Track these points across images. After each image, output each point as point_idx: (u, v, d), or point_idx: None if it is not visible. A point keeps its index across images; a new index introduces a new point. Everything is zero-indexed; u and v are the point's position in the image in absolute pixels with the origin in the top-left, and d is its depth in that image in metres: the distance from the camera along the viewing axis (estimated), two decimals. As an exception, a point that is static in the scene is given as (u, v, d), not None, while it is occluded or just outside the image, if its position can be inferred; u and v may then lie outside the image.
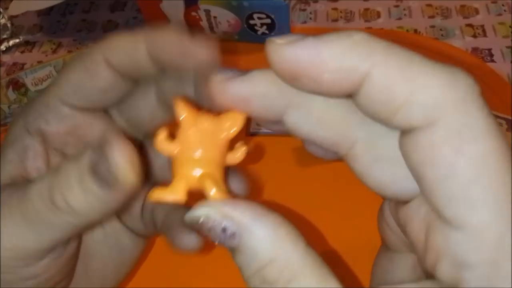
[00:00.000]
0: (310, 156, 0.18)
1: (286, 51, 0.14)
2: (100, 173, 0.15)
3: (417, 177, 0.13)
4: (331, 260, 0.14)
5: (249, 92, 0.15)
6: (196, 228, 0.14)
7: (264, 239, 0.13)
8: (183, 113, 0.15)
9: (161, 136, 0.15)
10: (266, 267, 0.13)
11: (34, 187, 0.16)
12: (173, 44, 0.17)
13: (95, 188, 0.15)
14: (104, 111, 0.20)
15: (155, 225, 0.22)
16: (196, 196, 0.15)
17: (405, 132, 0.13)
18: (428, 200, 0.13)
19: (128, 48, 0.18)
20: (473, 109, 0.12)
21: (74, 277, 0.20)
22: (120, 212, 0.21)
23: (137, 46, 0.17)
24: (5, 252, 0.17)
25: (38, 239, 0.17)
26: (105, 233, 0.22)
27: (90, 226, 0.18)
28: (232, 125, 0.15)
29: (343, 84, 0.13)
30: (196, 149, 0.15)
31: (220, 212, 0.13)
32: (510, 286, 0.11)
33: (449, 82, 0.12)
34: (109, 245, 0.22)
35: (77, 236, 0.20)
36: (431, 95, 0.12)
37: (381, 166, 0.14)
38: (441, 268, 0.12)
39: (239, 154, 0.16)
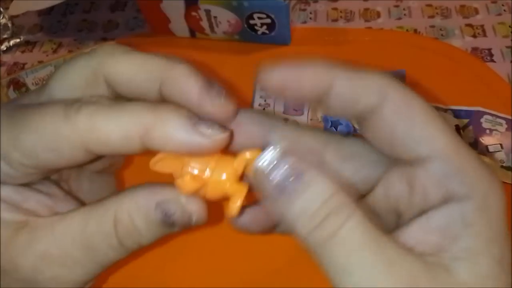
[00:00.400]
0: None
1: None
2: (171, 220, 0.17)
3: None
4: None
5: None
6: (258, 172, 0.15)
7: (327, 179, 0.15)
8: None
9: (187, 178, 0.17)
10: (331, 198, 0.15)
11: (93, 228, 0.17)
12: (189, 89, 0.17)
13: (163, 229, 0.17)
14: None
15: None
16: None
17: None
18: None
19: (130, 73, 0.18)
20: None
21: None
22: None
23: (139, 73, 0.18)
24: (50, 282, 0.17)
25: (86, 271, 0.17)
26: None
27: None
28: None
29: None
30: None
31: (288, 156, 0.15)
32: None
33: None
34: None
35: None
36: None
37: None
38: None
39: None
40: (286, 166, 0.15)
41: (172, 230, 0.17)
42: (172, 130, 0.16)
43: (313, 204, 0.15)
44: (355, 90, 0.16)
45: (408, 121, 0.16)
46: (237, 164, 0.17)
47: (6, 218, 0.17)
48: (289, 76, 0.17)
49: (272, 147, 0.15)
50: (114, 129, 0.16)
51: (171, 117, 0.16)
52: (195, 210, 0.17)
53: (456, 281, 0.14)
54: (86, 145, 0.16)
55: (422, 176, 0.16)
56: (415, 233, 0.16)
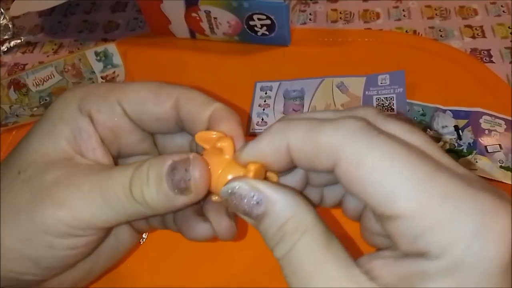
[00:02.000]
0: None
1: None
2: (176, 180, 0.18)
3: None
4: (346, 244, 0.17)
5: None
6: (229, 199, 0.17)
7: (284, 203, 0.17)
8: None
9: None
10: (286, 223, 0.16)
11: (117, 176, 0.19)
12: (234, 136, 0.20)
13: (169, 191, 0.18)
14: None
15: (163, 222, 0.23)
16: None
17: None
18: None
19: (197, 107, 0.21)
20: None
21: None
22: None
23: (203, 112, 0.21)
24: (73, 221, 0.19)
25: (106, 218, 0.19)
26: None
27: (150, 216, 0.21)
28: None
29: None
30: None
31: (250, 184, 0.17)
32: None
33: None
34: (107, 239, 0.23)
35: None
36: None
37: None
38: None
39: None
40: (248, 194, 0.17)
41: (172, 192, 0.18)
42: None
43: (271, 228, 0.17)
44: (308, 156, 0.17)
45: (361, 183, 0.15)
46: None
47: (61, 146, 0.20)
48: (252, 153, 0.18)
49: (234, 181, 0.18)
50: None
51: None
52: (197, 176, 0.18)
53: None
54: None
55: (393, 230, 0.15)
56: (378, 265, 0.16)
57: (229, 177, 0.18)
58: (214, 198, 0.20)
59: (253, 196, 0.17)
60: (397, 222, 0.15)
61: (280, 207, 0.17)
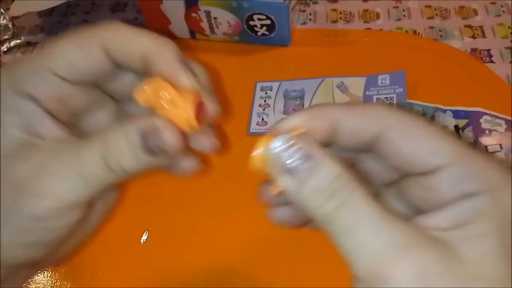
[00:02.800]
0: None
1: None
2: (151, 146, 0.19)
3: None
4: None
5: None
6: (270, 155, 0.17)
7: (334, 159, 0.17)
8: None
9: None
10: (338, 177, 0.16)
11: (86, 151, 0.20)
12: (167, 62, 0.21)
13: (145, 156, 0.19)
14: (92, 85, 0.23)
15: None
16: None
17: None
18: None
19: (127, 43, 0.21)
20: None
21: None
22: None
23: (134, 44, 0.21)
24: (58, 204, 0.19)
25: (89, 192, 0.20)
26: None
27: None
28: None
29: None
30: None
31: (299, 139, 0.17)
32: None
33: None
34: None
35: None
36: None
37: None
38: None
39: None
40: (297, 150, 0.17)
41: (150, 157, 0.19)
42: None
43: (322, 183, 0.16)
44: (358, 123, 0.18)
45: (414, 140, 0.18)
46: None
47: (16, 134, 0.20)
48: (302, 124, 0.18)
49: (282, 135, 0.17)
50: None
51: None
52: (169, 137, 0.19)
53: (455, 255, 0.16)
54: None
55: (436, 182, 0.17)
56: (427, 220, 0.17)
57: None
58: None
59: (304, 151, 0.17)
60: (443, 171, 0.17)
61: (331, 162, 0.17)
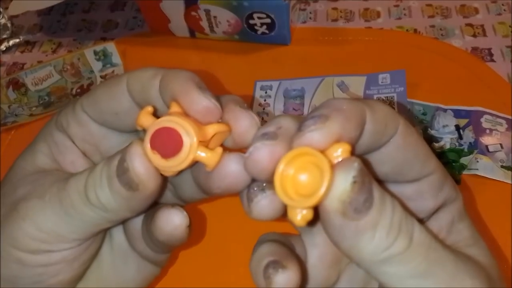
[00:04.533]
0: None
1: None
2: (122, 179, 0.17)
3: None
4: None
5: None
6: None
7: (392, 199, 0.16)
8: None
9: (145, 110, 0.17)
10: (396, 217, 0.15)
11: (72, 182, 0.18)
12: (181, 91, 0.17)
13: (121, 189, 0.17)
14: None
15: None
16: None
17: None
18: None
19: (145, 81, 0.18)
20: None
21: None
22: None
23: (152, 82, 0.18)
24: (38, 233, 0.18)
25: (71, 228, 0.18)
26: (112, 249, 0.22)
27: (119, 221, 0.19)
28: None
29: None
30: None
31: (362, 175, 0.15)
32: None
33: None
34: (112, 263, 0.22)
35: (98, 239, 0.20)
36: None
37: None
38: None
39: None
40: (360, 191, 0.14)
41: (124, 188, 0.17)
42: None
43: (386, 225, 0.15)
44: (381, 125, 0.16)
45: (413, 148, 0.17)
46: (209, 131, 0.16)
47: (40, 160, 0.20)
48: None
49: (347, 173, 0.14)
50: None
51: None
52: (142, 172, 0.16)
53: (477, 262, 0.18)
54: None
55: (425, 188, 0.18)
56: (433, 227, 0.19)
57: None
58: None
59: (362, 192, 0.14)
60: (429, 178, 0.18)
61: (392, 200, 0.16)
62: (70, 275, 0.20)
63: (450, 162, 0.31)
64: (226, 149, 0.17)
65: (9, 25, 0.51)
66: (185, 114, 0.17)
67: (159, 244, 0.20)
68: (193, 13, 0.42)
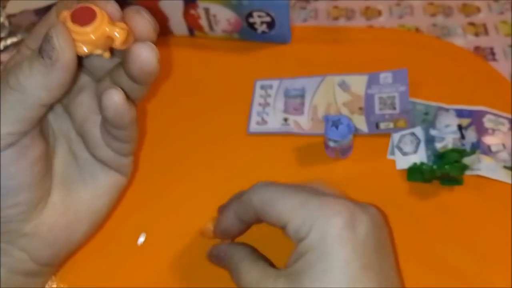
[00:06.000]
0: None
1: None
2: (43, 50, 0.19)
3: None
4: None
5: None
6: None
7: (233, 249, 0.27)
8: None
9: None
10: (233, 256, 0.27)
11: None
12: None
13: (40, 66, 0.19)
14: None
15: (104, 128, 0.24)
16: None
17: None
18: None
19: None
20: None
21: (52, 205, 0.23)
22: (64, 94, 0.23)
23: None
24: None
25: (2, 121, 0.20)
26: (78, 166, 0.24)
27: (43, 106, 0.21)
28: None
29: None
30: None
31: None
32: None
33: None
34: (83, 179, 0.25)
35: (35, 131, 0.22)
36: None
37: None
38: None
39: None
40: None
41: (42, 63, 0.19)
42: None
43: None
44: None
45: (275, 207, 0.24)
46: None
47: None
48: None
49: None
50: None
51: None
52: (62, 39, 0.19)
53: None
54: None
55: (285, 232, 0.23)
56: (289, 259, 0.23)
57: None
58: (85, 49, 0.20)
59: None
60: (288, 226, 0.23)
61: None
62: (27, 178, 0.21)
63: (452, 162, 0.31)
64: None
65: (6, 24, 0.50)
66: None
67: (136, 79, 0.23)
68: (192, 12, 0.42)
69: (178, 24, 0.44)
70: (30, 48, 0.22)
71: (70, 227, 0.24)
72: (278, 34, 0.42)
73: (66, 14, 0.19)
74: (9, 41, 0.50)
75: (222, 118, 0.38)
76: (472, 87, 0.38)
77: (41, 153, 0.23)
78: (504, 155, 0.33)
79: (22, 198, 0.22)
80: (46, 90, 0.20)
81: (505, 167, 0.32)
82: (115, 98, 0.22)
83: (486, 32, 0.42)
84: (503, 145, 0.33)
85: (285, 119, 0.37)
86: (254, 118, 0.37)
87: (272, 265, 0.25)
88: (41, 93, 0.20)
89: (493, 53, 0.41)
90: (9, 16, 0.51)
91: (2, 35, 0.50)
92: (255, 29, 0.42)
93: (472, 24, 0.43)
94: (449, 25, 0.43)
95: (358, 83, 0.38)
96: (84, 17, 0.19)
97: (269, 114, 0.37)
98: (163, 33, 0.45)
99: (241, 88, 0.40)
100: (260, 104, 0.38)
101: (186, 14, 0.42)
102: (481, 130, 0.34)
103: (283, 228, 0.23)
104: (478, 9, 0.44)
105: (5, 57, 0.48)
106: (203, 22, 0.42)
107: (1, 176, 0.20)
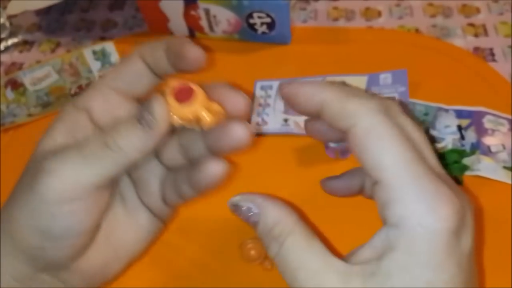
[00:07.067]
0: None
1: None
2: (143, 118, 0.21)
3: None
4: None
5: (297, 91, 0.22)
6: (233, 210, 0.22)
7: (271, 213, 0.21)
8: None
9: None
10: (273, 228, 0.20)
11: (93, 136, 0.21)
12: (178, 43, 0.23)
13: (138, 131, 0.21)
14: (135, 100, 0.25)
15: (177, 188, 0.25)
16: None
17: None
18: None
19: (152, 47, 0.23)
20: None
21: (96, 244, 0.23)
22: (157, 149, 0.24)
23: (157, 47, 0.23)
24: (62, 185, 0.20)
25: (89, 175, 0.21)
26: (126, 208, 0.25)
27: (131, 165, 0.22)
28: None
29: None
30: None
31: (248, 199, 0.21)
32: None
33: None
34: (128, 221, 0.25)
35: (111, 186, 0.24)
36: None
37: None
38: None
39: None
40: (248, 205, 0.21)
41: (142, 130, 0.21)
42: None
43: (263, 234, 0.21)
44: (334, 114, 0.20)
45: (364, 148, 0.19)
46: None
47: (58, 139, 0.22)
48: (290, 93, 0.22)
49: (237, 195, 0.21)
50: None
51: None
52: (159, 109, 0.21)
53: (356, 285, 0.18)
54: None
55: (375, 192, 0.19)
56: (361, 253, 0.19)
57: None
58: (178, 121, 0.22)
59: (251, 208, 0.21)
60: (377, 186, 0.19)
61: (267, 216, 0.21)
62: (93, 222, 0.22)
63: (452, 163, 0.31)
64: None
65: (7, 24, 0.51)
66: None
67: (218, 153, 0.23)
68: (193, 12, 0.42)
69: (178, 25, 0.44)
70: (108, 86, 0.24)
71: (108, 264, 0.24)
72: (278, 35, 0.42)
73: (168, 91, 0.21)
74: (10, 41, 0.50)
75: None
76: (472, 87, 0.38)
77: (108, 203, 0.24)
78: (503, 155, 0.33)
79: (77, 241, 0.22)
80: (139, 152, 0.21)
81: (505, 167, 0.32)
82: (218, 172, 0.23)
83: (485, 33, 0.42)
84: (503, 146, 0.33)
85: (285, 120, 0.37)
86: (255, 118, 0.37)
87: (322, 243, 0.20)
88: (135, 154, 0.21)
89: (492, 54, 0.41)
90: (10, 17, 0.51)
91: (3, 35, 0.50)
92: (255, 30, 0.42)
93: (471, 25, 0.43)
94: (448, 26, 0.43)
95: (358, 83, 0.38)
96: (183, 93, 0.21)
97: (269, 114, 0.37)
98: (163, 33, 0.45)
99: (241, 89, 0.40)
100: (260, 105, 0.38)
101: (186, 15, 0.42)
102: (481, 131, 0.34)
103: (368, 173, 0.19)
104: (478, 10, 0.45)
105: (5, 57, 0.48)
106: (203, 23, 0.42)
107: (62, 220, 0.21)
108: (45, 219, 0.21)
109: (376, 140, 0.19)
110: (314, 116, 0.22)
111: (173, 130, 0.22)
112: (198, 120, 0.21)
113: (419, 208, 0.18)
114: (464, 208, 0.18)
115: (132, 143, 0.21)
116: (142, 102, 0.22)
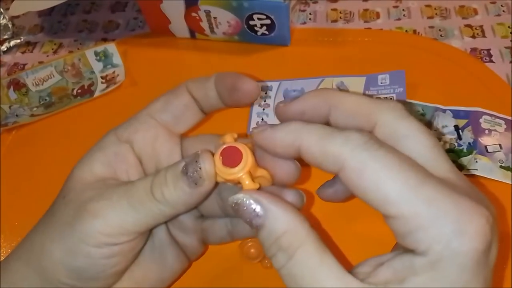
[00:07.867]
0: None
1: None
2: (190, 173, 0.21)
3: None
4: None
5: (304, 106, 0.22)
6: (234, 208, 0.19)
7: (280, 218, 0.18)
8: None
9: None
10: (282, 237, 0.18)
11: (139, 183, 0.21)
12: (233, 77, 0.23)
13: (184, 185, 0.21)
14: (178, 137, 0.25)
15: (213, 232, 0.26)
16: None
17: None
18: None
19: (202, 81, 0.24)
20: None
21: (120, 282, 0.23)
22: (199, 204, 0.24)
23: (207, 81, 0.23)
24: (107, 228, 0.21)
25: (134, 221, 0.21)
26: (153, 245, 0.25)
27: (175, 215, 0.22)
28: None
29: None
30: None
31: (253, 197, 0.19)
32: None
33: None
34: (153, 257, 0.25)
35: (146, 235, 0.24)
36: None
37: None
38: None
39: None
40: (251, 205, 0.19)
41: (189, 185, 0.21)
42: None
43: (267, 240, 0.18)
44: (316, 159, 0.19)
45: (363, 189, 0.18)
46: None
47: (97, 170, 0.23)
48: (266, 140, 0.21)
49: (242, 192, 0.20)
50: None
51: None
52: (206, 164, 0.20)
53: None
54: None
55: (391, 226, 0.18)
56: (369, 267, 0.18)
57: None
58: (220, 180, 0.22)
59: (255, 209, 0.19)
60: (391, 221, 0.17)
61: (276, 221, 0.18)
62: (125, 266, 0.23)
63: (449, 162, 0.31)
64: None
65: (10, 25, 0.51)
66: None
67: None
68: (194, 14, 0.42)
69: (179, 27, 0.44)
70: (154, 117, 0.24)
71: None
72: (278, 36, 0.42)
73: (219, 150, 0.21)
74: (12, 42, 0.50)
75: (222, 119, 0.38)
76: (469, 88, 0.38)
77: (141, 247, 0.24)
78: (500, 155, 0.33)
79: (107, 282, 0.22)
80: (184, 206, 0.21)
81: (502, 167, 0.33)
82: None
83: (483, 34, 0.43)
84: (500, 146, 0.34)
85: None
86: (254, 119, 0.38)
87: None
88: (181, 208, 0.21)
89: (490, 55, 0.41)
90: (12, 18, 0.51)
91: (6, 36, 0.50)
92: (255, 32, 0.42)
93: (469, 26, 0.44)
94: (446, 27, 0.44)
95: (356, 84, 0.38)
96: (230, 155, 0.21)
97: (269, 115, 0.38)
98: (165, 35, 0.46)
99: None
100: (260, 105, 0.39)
101: (187, 16, 0.43)
102: (478, 131, 0.34)
103: (379, 211, 0.18)
104: (475, 11, 0.45)
105: (8, 58, 0.49)
106: (204, 24, 0.43)
107: (99, 262, 0.21)
108: (81, 260, 0.21)
109: (372, 178, 0.17)
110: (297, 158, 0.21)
111: (216, 183, 0.22)
112: (239, 183, 0.21)
113: (443, 232, 0.16)
114: (491, 217, 0.17)
115: (178, 197, 0.21)
116: (190, 154, 0.22)
